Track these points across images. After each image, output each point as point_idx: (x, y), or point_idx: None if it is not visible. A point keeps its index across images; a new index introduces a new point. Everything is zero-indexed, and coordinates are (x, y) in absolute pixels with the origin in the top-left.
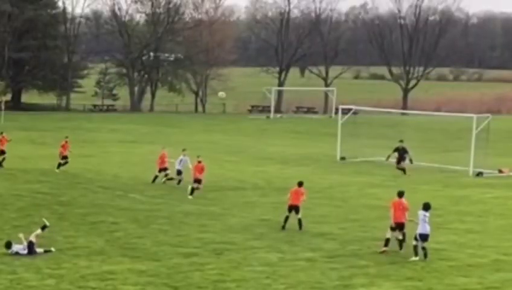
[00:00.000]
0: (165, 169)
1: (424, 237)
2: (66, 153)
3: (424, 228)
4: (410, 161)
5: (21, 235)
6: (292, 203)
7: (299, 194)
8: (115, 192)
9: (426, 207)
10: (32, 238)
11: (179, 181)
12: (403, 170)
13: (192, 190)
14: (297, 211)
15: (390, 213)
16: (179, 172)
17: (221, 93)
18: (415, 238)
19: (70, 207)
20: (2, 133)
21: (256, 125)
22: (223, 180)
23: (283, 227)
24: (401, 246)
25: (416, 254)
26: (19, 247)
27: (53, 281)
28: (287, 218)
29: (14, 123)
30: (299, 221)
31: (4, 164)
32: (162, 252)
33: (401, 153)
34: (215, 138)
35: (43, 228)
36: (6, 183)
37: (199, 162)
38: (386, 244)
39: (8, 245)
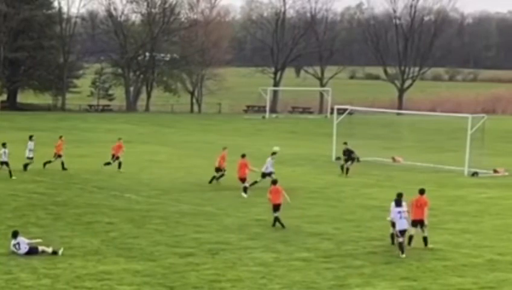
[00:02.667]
0: (221, 169)
1: (402, 233)
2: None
3: (401, 224)
4: (357, 159)
5: (39, 240)
6: (276, 202)
7: (279, 192)
8: (110, 192)
9: (398, 203)
10: (40, 247)
11: (254, 182)
12: (347, 169)
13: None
14: (277, 209)
15: (411, 210)
16: (266, 175)
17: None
18: (396, 235)
19: (66, 207)
20: (61, 137)
21: (252, 125)
22: (219, 181)
23: (273, 225)
24: (425, 243)
25: (393, 242)
26: (24, 240)
27: (49, 281)
28: (275, 218)
29: (9, 123)
30: (278, 219)
31: (66, 166)
32: (157, 252)
33: (347, 154)
34: (210, 138)
35: (53, 252)
36: (1, 183)
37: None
38: (409, 242)
39: (15, 234)
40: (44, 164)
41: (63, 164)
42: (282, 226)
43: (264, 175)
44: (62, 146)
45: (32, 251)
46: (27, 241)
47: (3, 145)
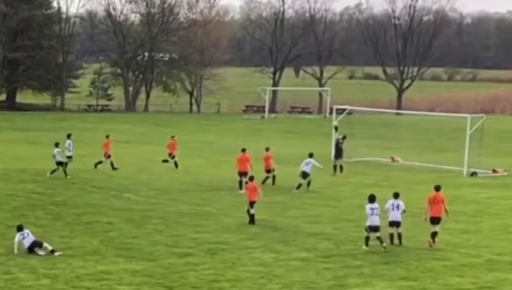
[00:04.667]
0: (270, 171)
1: (374, 229)
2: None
3: (373, 220)
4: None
5: (46, 245)
6: (252, 199)
7: (256, 190)
8: (109, 192)
9: (372, 199)
10: (44, 242)
11: (302, 185)
12: (341, 167)
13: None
14: (252, 206)
15: (427, 208)
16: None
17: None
18: (366, 230)
19: (65, 207)
20: (108, 136)
21: (251, 125)
22: (218, 180)
23: (250, 222)
24: (433, 240)
25: (367, 244)
26: (30, 234)
27: (48, 281)
28: (249, 214)
29: (8, 123)
30: (252, 216)
31: (116, 165)
32: (156, 252)
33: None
34: (210, 138)
35: (52, 251)
36: (0, 183)
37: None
38: (433, 239)
39: (20, 228)
40: (96, 164)
41: (112, 163)
42: (253, 223)
43: (307, 175)
44: (110, 145)
45: (37, 243)
46: (32, 237)
47: (56, 145)
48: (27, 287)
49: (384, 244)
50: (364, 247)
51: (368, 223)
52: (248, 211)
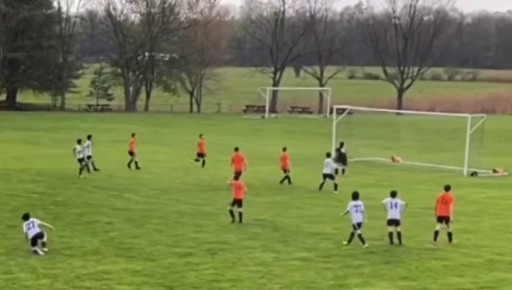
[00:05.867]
0: (286, 170)
1: (358, 226)
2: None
3: (357, 217)
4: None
5: (50, 226)
6: (236, 197)
7: (241, 188)
8: (109, 192)
9: (355, 197)
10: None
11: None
12: (343, 171)
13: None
14: (240, 205)
15: (436, 206)
16: (332, 176)
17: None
18: (354, 227)
19: (65, 207)
20: (133, 134)
21: (251, 125)
22: (218, 180)
23: (232, 221)
24: (450, 239)
25: (349, 241)
26: (36, 221)
27: (48, 281)
28: (231, 212)
29: (9, 123)
30: (240, 215)
31: (140, 165)
32: (157, 252)
33: (339, 156)
34: (210, 138)
35: (43, 243)
36: (1, 183)
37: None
38: (435, 238)
39: (27, 216)
40: (129, 164)
41: (136, 163)
42: (233, 220)
43: (332, 176)
44: (135, 144)
45: (41, 235)
46: (38, 222)
47: (79, 142)
48: (27, 287)
49: (367, 245)
50: (344, 242)
51: (353, 221)
52: (231, 211)
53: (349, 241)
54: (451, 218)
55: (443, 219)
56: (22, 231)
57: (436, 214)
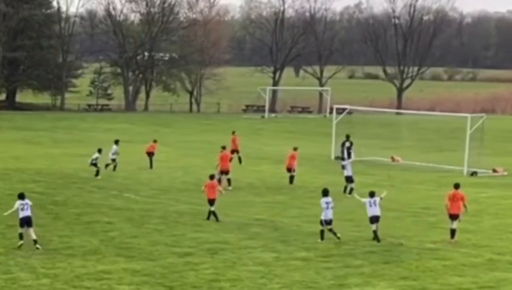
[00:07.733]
0: (290, 170)
1: (328, 222)
2: (238, 148)
3: (327, 213)
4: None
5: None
6: (210, 197)
7: (214, 187)
8: (109, 192)
9: (325, 193)
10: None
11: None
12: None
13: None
14: (212, 204)
15: (447, 205)
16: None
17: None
18: (321, 223)
19: (65, 207)
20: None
21: (251, 125)
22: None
23: (208, 218)
24: (452, 236)
25: (322, 238)
26: (29, 203)
27: (48, 281)
28: (210, 212)
29: (8, 123)
30: (214, 213)
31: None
32: (156, 252)
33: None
34: (210, 138)
35: (35, 241)
36: (0, 182)
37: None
38: (452, 236)
39: (22, 196)
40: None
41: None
42: (217, 219)
43: (352, 179)
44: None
45: (29, 222)
46: (31, 203)
47: (99, 151)
48: (27, 287)
49: (339, 235)
50: (319, 241)
51: (322, 217)
52: (212, 212)
53: (322, 238)
54: (460, 216)
55: (455, 217)
56: (13, 208)
57: (448, 213)
